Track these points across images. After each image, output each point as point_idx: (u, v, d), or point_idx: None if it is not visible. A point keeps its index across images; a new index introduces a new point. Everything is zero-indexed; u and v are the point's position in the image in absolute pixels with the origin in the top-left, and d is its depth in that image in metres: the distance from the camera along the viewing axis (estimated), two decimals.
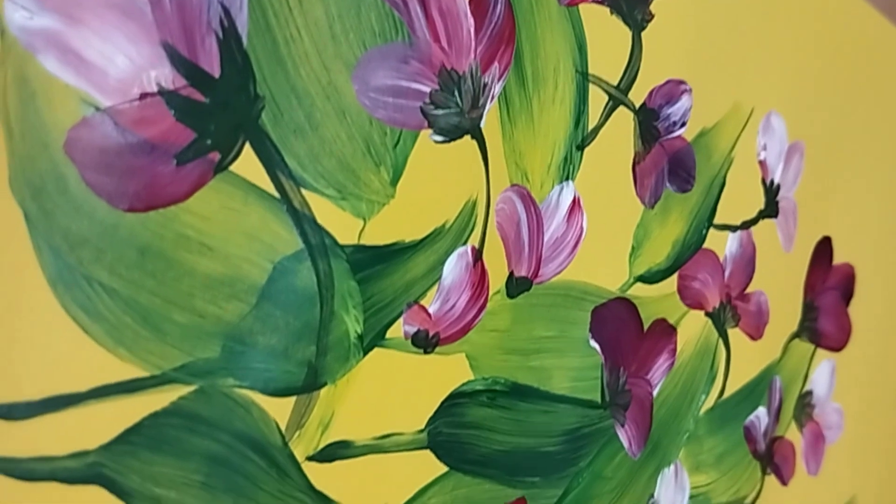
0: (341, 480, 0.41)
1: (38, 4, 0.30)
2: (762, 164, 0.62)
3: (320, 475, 0.40)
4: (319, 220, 0.38)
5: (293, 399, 0.39)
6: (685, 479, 0.60)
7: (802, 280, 0.68)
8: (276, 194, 0.37)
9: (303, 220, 0.38)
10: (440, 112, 0.41)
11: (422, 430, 0.44)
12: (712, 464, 0.62)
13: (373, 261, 0.40)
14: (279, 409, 0.38)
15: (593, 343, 0.51)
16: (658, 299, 0.56)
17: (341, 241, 0.39)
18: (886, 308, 0.77)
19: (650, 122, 0.53)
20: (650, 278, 0.55)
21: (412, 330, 0.42)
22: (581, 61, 0.48)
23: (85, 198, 0.32)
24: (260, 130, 0.36)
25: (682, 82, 0.54)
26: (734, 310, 0.62)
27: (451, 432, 0.45)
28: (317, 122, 0.37)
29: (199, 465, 0.36)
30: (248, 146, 0.36)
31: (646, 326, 0.55)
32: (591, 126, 0.50)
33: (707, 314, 0.60)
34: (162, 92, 0.33)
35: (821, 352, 0.72)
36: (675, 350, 0.57)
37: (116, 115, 0.32)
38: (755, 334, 0.64)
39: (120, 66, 0.32)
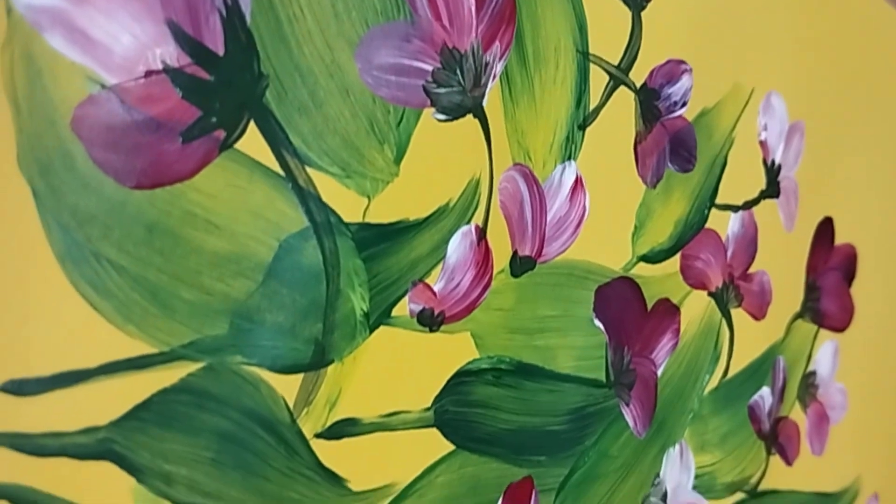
0: (349, 458, 0.41)
1: None
2: (763, 144, 0.62)
3: (328, 452, 0.40)
4: (324, 198, 0.38)
5: (301, 376, 0.39)
6: (690, 459, 0.60)
7: (804, 260, 0.68)
8: (281, 172, 0.37)
9: (308, 198, 0.38)
10: (442, 90, 0.41)
11: (428, 409, 0.44)
12: (717, 443, 0.62)
13: (378, 239, 0.41)
14: (287, 387, 0.38)
15: (597, 322, 0.52)
16: (661, 279, 0.56)
17: (346, 220, 0.39)
18: (888, 289, 0.77)
19: (651, 102, 0.53)
20: (653, 258, 0.55)
21: (418, 308, 0.43)
22: (582, 41, 0.49)
23: (92, 175, 0.32)
24: (264, 108, 0.36)
25: (682, 62, 0.54)
26: (737, 290, 0.62)
27: (457, 411, 0.46)
28: (320, 101, 0.38)
29: (209, 441, 0.36)
30: (252, 124, 0.36)
31: (649, 306, 0.55)
32: (592, 106, 0.50)
33: (710, 294, 0.60)
34: (167, 70, 0.33)
35: (824, 332, 0.72)
36: (678, 330, 0.57)
37: (122, 93, 0.32)
38: (758, 314, 0.64)
39: (125, 43, 0.32)
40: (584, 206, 0.50)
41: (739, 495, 0.66)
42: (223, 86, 0.35)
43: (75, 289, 0.32)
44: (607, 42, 0.50)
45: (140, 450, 0.34)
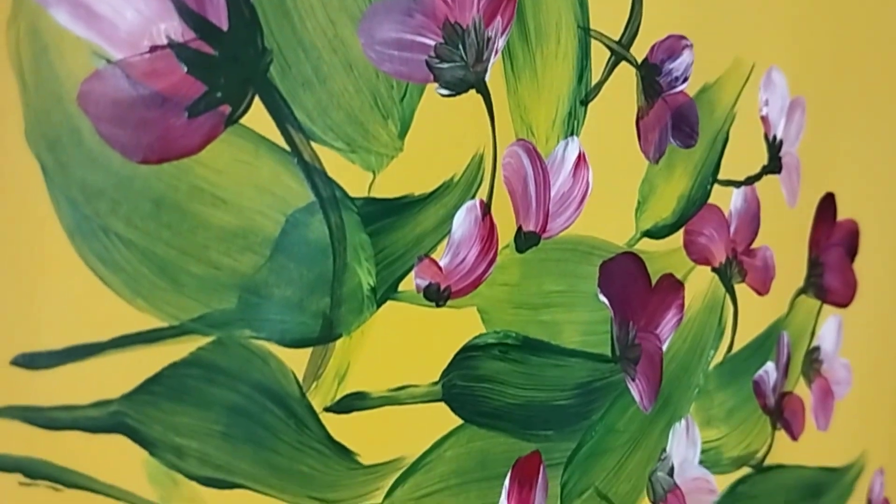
0: (359, 432, 0.41)
1: None
2: (764, 119, 0.62)
3: (338, 426, 0.41)
4: (330, 173, 0.38)
5: (309, 350, 0.39)
6: (696, 434, 0.60)
7: (807, 236, 0.69)
8: (287, 147, 0.37)
9: (313, 173, 0.38)
10: (445, 65, 0.42)
11: (436, 383, 0.45)
12: (723, 418, 0.63)
13: (383, 214, 0.41)
14: (296, 361, 0.39)
15: (602, 297, 0.52)
16: (665, 254, 0.56)
17: (352, 194, 0.39)
18: (891, 264, 0.78)
19: (652, 78, 0.53)
20: (656, 233, 0.55)
21: (424, 283, 0.43)
22: (583, 16, 0.49)
23: (99, 150, 0.32)
24: (269, 83, 0.36)
25: (683, 37, 0.54)
26: (740, 265, 0.62)
27: (464, 385, 0.46)
28: (324, 76, 0.38)
29: (219, 415, 0.36)
30: (257, 99, 0.36)
31: (653, 282, 0.55)
32: (594, 81, 0.50)
33: (713, 269, 0.60)
34: (172, 44, 0.33)
35: (827, 308, 0.72)
36: (682, 305, 0.58)
37: (127, 68, 0.32)
38: (762, 289, 0.64)
39: (129, 18, 0.32)
40: (588, 182, 0.50)
41: (745, 470, 0.66)
42: (227, 61, 0.35)
43: (85, 263, 0.33)
44: (608, 17, 0.50)
45: (152, 423, 0.35)
